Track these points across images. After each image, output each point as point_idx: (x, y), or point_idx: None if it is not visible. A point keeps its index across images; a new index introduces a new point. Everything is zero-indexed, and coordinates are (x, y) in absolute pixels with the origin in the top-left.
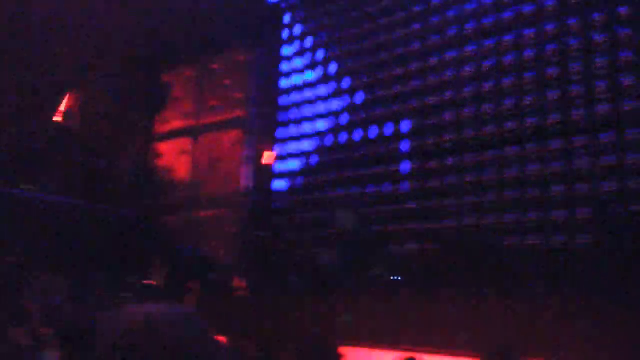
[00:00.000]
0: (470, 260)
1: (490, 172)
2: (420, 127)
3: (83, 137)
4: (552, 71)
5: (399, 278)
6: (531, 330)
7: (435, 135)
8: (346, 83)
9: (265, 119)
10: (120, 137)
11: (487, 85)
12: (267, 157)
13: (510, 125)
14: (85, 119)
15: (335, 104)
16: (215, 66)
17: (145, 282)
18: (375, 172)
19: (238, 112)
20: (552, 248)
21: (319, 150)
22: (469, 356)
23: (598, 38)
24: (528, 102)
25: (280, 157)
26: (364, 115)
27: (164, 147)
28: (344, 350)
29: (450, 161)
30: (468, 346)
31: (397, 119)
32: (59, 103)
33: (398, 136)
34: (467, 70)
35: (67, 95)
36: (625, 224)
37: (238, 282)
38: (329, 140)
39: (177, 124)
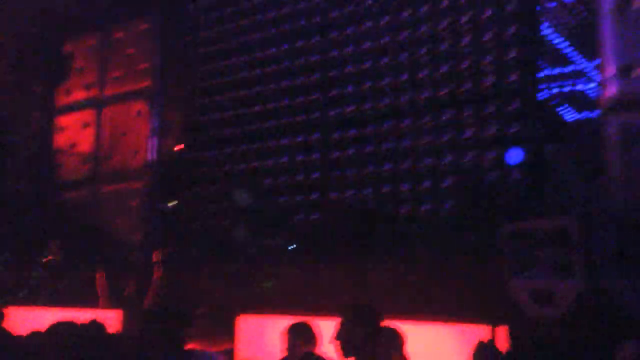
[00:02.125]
0: (365, 228)
1: (387, 143)
2: (324, 99)
3: None
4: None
5: (294, 246)
6: (410, 287)
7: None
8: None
9: (172, 89)
10: (18, 109)
11: (385, 61)
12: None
13: (405, 98)
14: None
15: (247, 74)
16: (119, 35)
17: (46, 259)
18: (280, 144)
19: (144, 83)
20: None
21: (228, 121)
22: None
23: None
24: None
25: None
26: (274, 87)
27: (66, 119)
28: (243, 317)
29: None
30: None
31: (307, 91)
32: None
33: (305, 108)
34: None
35: None
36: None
37: (142, 256)
38: (238, 111)
39: (80, 95)
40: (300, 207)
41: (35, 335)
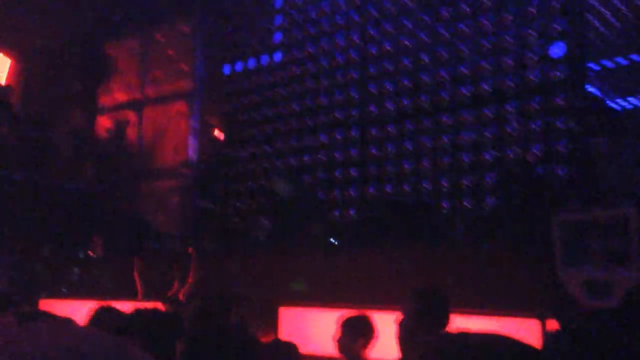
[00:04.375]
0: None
1: (427, 139)
2: (362, 96)
3: (23, 110)
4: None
5: (336, 241)
6: (454, 280)
7: (377, 103)
8: (292, 53)
9: (211, 90)
10: (62, 110)
11: (424, 57)
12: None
13: (444, 94)
14: (24, 92)
15: (285, 72)
16: (159, 37)
17: (88, 254)
18: (317, 142)
19: (183, 84)
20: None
21: (262, 120)
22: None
23: None
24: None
25: (225, 127)
26: (312, 84)
27: (108, 119)
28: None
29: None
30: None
31: (346, 88)
32: None
33: (344, 105)
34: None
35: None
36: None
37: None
38: (272, 110)
39: (121, 96)
40: (339, 202)
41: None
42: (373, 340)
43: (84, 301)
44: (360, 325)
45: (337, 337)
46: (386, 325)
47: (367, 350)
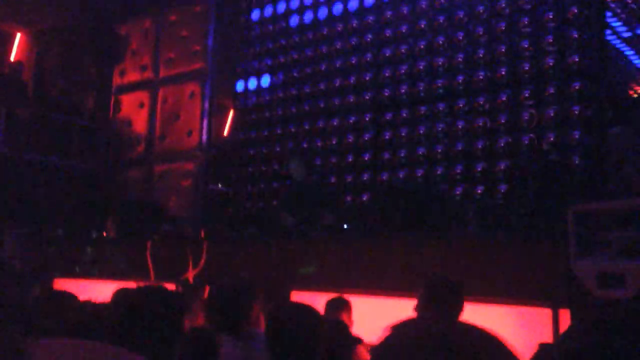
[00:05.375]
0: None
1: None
2: (376, 80)
3: (34, 89)
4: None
5: (347, 226)
6: (465, 268)
7: (391, 87)
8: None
9: (224, 72)
10: (76, 90)
11: (440, 40)
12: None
13: (460, 79)
14: (37, 71)
15: (298, 55)
16: (173, 17)
17: (102, 235)
18: (330, 125)
19: (197, 65)
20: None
21: (276, 103)
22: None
23: None
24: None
25: (239, 110)
26: (325, 67)
27: (122, 100)
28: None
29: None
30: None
31: (359, 71)
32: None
33: (357, 88)
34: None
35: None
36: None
37: (192, 232)
38: (286, 93)
39: (135, 76)
40: (351, 187)
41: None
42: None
43: (97, 281)
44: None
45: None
46: (399, 311)
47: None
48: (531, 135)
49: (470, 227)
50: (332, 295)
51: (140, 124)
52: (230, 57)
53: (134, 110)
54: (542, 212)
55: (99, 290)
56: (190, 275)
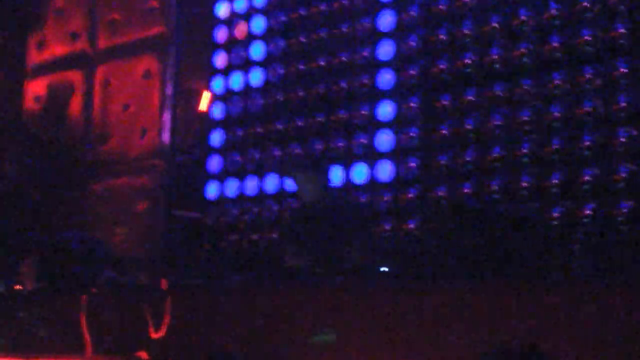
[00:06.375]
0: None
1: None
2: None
3: None
4: None
5: (386, 269)
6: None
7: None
8: None
9: (194, 38)
10: None
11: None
12: (204, 99)
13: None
14: None
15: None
16: None
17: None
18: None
19: (154, 29)
20: None
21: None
22: None
23: None
24: None
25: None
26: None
27: (41, 83)
28: None
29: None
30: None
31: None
32: None
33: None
34: None
35: None
36: None
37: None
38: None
39: (61, 48)
40: (391, 209)
41: None
42: None
43: None
44: None
45: None
46: None
47: None
48: None
49: (576, 267)
50: None
51: (69, 120)
52: (205, 15)
53: (59, 100)
54: None
55: None
56: (147, 350)
